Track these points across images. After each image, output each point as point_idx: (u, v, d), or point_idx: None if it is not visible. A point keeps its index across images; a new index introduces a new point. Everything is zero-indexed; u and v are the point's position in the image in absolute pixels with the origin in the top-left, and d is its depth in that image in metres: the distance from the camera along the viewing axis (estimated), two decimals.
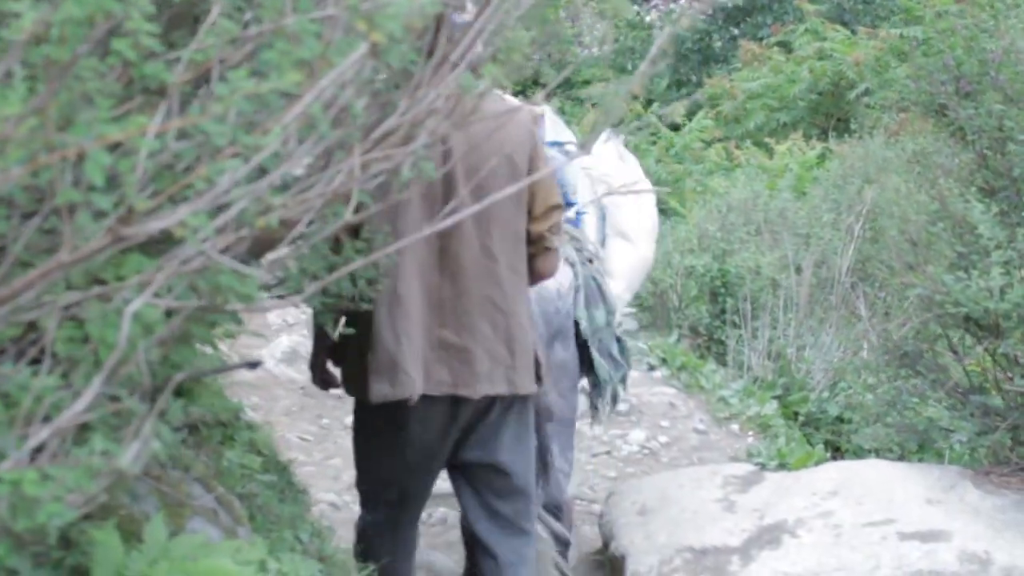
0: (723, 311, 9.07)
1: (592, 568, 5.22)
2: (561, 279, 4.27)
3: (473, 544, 3.80)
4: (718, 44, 19.77)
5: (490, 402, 3.45)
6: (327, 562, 3.17)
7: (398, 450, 3.49)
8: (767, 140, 14.80)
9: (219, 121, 1.22)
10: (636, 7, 20.89)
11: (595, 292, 4.51)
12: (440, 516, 5.79)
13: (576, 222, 4.70)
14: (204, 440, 2.80)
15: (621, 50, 20.01)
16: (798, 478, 4.98)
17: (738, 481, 5.08)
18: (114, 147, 1.29)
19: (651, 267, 5.44)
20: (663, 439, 7.18)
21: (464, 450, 3.55)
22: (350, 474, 6.21)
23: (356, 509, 4.35)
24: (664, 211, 14.05)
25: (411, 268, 3.27)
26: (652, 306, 9.74)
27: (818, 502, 4.67)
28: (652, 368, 8.54)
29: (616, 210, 4.93)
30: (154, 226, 1.17)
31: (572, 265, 4.45)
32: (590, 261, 4.55)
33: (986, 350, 4.93)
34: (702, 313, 9.24)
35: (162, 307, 1.34)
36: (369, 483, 3.78)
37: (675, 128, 16.19)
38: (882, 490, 4.67)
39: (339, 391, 3.69)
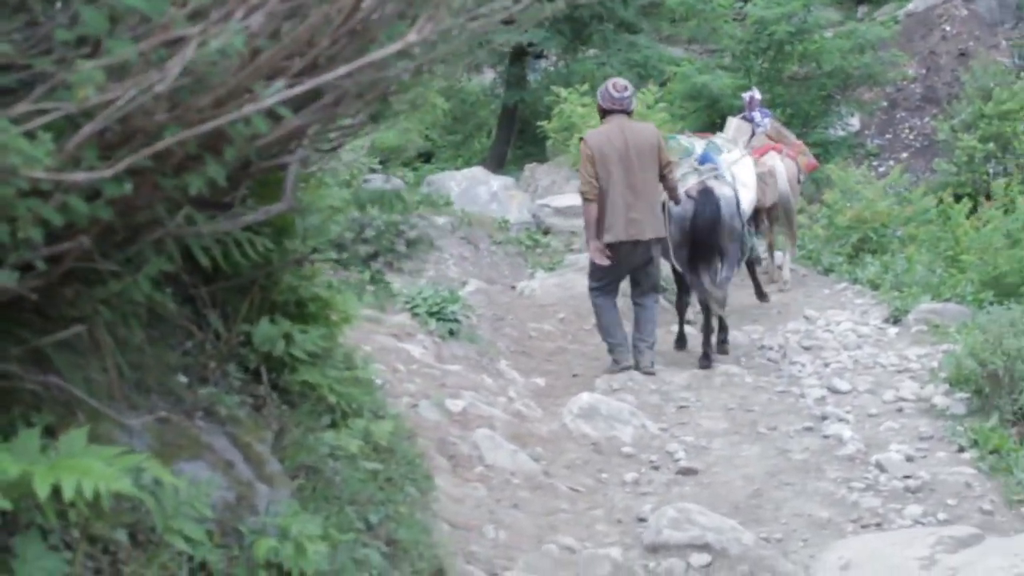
0: None
1: None
2: (732, 194, 9.63)
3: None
4: None
5: (649, 240, 9.03)
6: (395, 547, 3.40)
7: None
8: None
9: None
10: None
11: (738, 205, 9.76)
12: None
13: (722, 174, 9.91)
14: (287, 413, 3.08)
15: None
16: (1014, 541, 4.66)
17: (952, 542, 4.84)
18: None
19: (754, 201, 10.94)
20: (942, 516, 6.77)
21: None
22: (605, 525, 6.38)
23: (592, 552, 5.70)
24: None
25: (616, 189, 8.92)
26: (983, 391, 9.16)
27: (1017, 564, 4.36)
28: (962, 449, 8.06)
29: (738, 171, 10.10)
30: None
31: (733, 189, 9.67)
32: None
33: None
34: None
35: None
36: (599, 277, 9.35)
37: None
38: None
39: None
